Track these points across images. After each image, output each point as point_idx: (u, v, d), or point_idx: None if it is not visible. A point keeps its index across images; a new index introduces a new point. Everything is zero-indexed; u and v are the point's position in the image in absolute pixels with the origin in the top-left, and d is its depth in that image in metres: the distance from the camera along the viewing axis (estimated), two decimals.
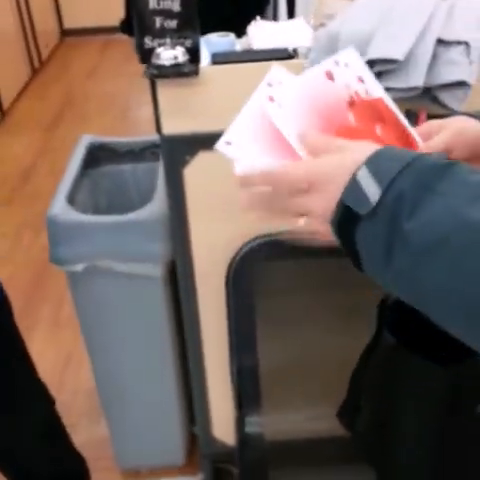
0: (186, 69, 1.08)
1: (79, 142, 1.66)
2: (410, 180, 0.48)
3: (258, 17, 2.11)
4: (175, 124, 1.16)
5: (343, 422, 1.16)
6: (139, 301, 1.45)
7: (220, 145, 0.72)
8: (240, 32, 1.39)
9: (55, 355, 2.21)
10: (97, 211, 1.70)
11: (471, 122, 0.64)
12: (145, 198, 1.73)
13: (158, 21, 1.09)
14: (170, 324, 1.50)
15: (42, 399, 1.30)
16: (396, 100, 1.06)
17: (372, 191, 0.49)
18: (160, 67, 1.08)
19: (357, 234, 0.51)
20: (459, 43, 1.00)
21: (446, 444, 0.90)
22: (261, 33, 1.39)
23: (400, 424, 0.95)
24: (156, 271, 1.40)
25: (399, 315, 0.97)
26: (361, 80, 0.72)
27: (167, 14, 1.08)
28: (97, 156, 1.67)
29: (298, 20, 1.46)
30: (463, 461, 0.90)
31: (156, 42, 1.10)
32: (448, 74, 1.00)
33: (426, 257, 0.46)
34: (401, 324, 0.96)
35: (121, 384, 1.62)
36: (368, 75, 0.72)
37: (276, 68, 0.76)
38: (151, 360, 1.57)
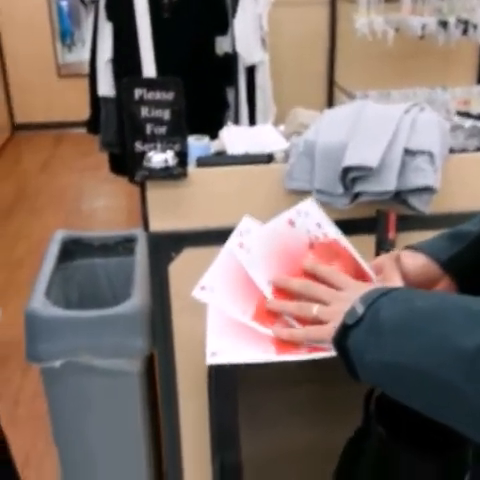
0: (175, 172, 1.16)
1: (53, 236, 1.68)
2: (384, 301, 0.67)
3: (219, 121, 2.25)
4: (162, 222, 1.22)
5: None
6: (115, 396, 1.44)
7: (196, 291, 0.82)
8: (203, 133, 1.48)
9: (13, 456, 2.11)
10: (68, 304, 1.70)
11: (414, 258, 0.84)
12: (117, 292, 1.75)
13: (149, 128, 1.17)
14: (145, 420, 1.49)
15: None
16: (370, 202, 1.17)
17: (359, 309, 0.68)
18: (151, 170, 1.15)
19: (348, 342, 0.68)
20: (423, 152, 1.12)
21: None
22: (234, 137, 1.49)
23: None
24: (134, 366, 1.40)
25: (387, 406, 1.00)
26: (319, 225, 0.86)
27: (157, 121, 1.17)
28: (70, 250, 1.69)
29: (267, 126, 1.58)
30: None
31: (146, 146, 1.18)
32: (416, 180, 1.11)
33: (390, 340, 0.63)
34: (389, 415, 0.99)
35: None
36: (325, 220, 0.87)
37: (246, 219, 0.87)
38: (124, 458, 1.53)
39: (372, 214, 1.20)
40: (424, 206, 1.15)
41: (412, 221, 1.19)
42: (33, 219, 4.19)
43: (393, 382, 0.65)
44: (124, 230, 1.78)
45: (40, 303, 1.37)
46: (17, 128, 6.24)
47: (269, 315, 0.79)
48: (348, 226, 1.24)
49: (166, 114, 1.17)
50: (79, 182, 4.95)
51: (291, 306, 0.78)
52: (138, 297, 1.40)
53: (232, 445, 1.28)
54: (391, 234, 1.20)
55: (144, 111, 1.16)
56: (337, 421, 1.25)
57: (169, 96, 1.19)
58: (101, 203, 4.60)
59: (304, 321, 0.77)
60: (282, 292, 0.81)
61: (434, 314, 0.62)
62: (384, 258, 0.85)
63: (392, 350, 0.63)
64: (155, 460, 1.57)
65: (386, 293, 0.69)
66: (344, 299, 0.72)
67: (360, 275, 0.82)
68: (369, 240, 1.21)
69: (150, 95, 1.18)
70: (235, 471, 1.30)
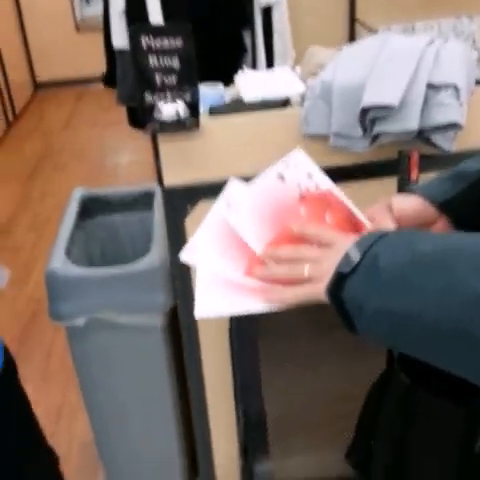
0: (187, 123, 1.11)
1: (72, 195, 1.67)
2: (382, 246, 0.63)
3: (237, 66, 2.17)
4: (176, 175, 1.18)
5: (352, 464, 1.15)
6: (139, 351, 1.44)
7: (183, 255, 0.79)
8: (220, 79, 1.42)
9: (45, 409, 2.17)
10: (91, 262, 1.70)
11: (408, 201, 0.80)
12: (138, 247, 1.74)
13: (158, 77, 1.12)
14: (171, 373, 1.49)
15: (50, 460, 1.27)
16: (391, 143, 1.11)
17: (354, 255, 0.63)
18: (162, 122, 1.10)
19: (344, 292, 0.63)
20: (448, 86, 1.05)
21: None
22: (249, 82, 1.43)
23: (415, 466, 0.95)
24: (157, 321, 1.39)
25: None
26: (310, 176, 0.82)
27: (167, 71, 1.11)
28: (90, 208, 1.68)
29: (284, 69, 1.51)
30: None
31: (156, 97, 1.13)
32: (440, 116, 1.05)
33: (392, 287, 0.59)
34: (413, 361, 0.97)
35: (121, 437, 1.60)
36: (316, 170, 0.82)
37: (233, 181, 0.83)
38: (152, 411, 1.55)
39: (394, 156, 1.14)
40: (449, 144, 1.09)
41: (436, 160, 1.13)
42: (58, 176, 4.20)
43: (396, 333, 0.60)
44: (148, 185, 1.76)
45: (60, 262, 1.36)
46: (39, 86, 6.21)
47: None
48: (368, 169, 1.19)
49: (175, 62, 1.11)
50: (102, 137, 4.93)
51: (282, 269, 0.74)
52: (157, 252, 1.38)
53: (255, 395, 1.28)
54: (414, 174, 1.14)
55: (152, 60, 1.10)
56: (361, 367, 1.23)
57: (177, 42, 1.13)
58: (125, 158, 4.59)
59: (295, 282, 0.73)
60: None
61: (442, 257, 0.57)
62: (376, 206, 0.81)
63: (396, 299, 0.58)
64: (182, 411, 1.58)
65: (383, 237, 0.64)
66: (336, 253, 0.67)
67: (354, 225, 0.79)
68: (391, 182, 1.15)
69: (158, 42, 1.12)
70: (259, 419, 1.30)
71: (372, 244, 0.63)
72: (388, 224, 0.77)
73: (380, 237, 0.64)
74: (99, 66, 3.42)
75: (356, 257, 0.63)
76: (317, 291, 0.68)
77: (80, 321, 1.35)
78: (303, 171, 0.82)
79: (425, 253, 0.59)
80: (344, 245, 0.67)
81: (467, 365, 0.56)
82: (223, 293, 0.75)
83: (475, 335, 0.52)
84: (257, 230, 0.77)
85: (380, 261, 0.61)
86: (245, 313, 0.74)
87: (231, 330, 1.26)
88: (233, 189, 0.82)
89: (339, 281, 0.64)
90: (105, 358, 1.44)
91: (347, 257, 0.64)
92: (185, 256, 0.79)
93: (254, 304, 0.73)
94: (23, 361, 2.43)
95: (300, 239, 0.75)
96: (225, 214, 0.80)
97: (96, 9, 6.19)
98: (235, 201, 0.81)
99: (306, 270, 0.71)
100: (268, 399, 1.30)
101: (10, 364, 1.14)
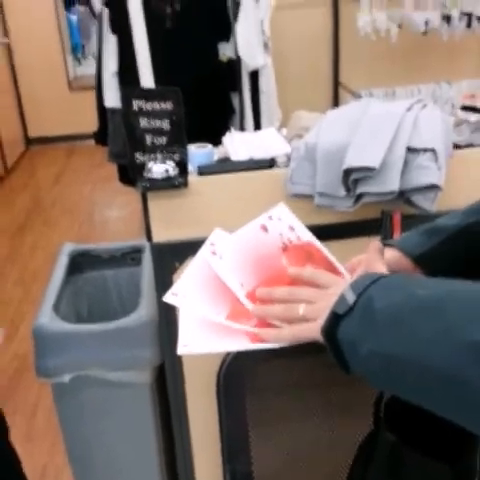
0: (176, 182, 1.15)
1: (61, 249, 1.69)
2: (377, 289, 0.64)
3: (225, 126, 2.24)
4: (164, 232, 1.21)
5: None
6: (126, 408, 1.43)
7: (167, 297, 0.80)
8: (209, 139, 1.46)
9: (30, 469, 2.11)
10: (79, 317, 1.70)
11: (386, 253, 0.82)
12: (127, 302, 1.75)
13: (148, 138, 1.16)
14: (158, 431, 1.48)
15: None
16: (374, 203, 1.15)
17: (350, 297, 0.65)
18: (152, 180, 1.14)
19: (339, 332, 0.64)
20: (426, 150, 1.10)
21: None
22: (237, 143, 1.48)
23: None
24: (145, 377, 1.39)
25: (397, 411, 0.98)
26: (292, 229, 0.85)
27: (157, 132, 1.16)
28: (79, 263, 1.69)
29: (270, 131, 1.56)
30: None
31: (146, 157, 1.17)
32: (419, 178, 1.09)
33: (387, 330, 0.60)
34: (399, 420, 0.97)
35: None
36: (298, 224, 0.86)
37: (217, 231, 0.86)
38: (139, 469, 1.52)
39: (377, 215, 1.18)
40: (430, 204, 1.13)
41: (418, 220, 1.17)
42: (48, 230, 4.22)
43: (390, 374, 0.61)
44: (137, 240, 1.78)
45: (48, 318, 1.36)
46: (31, 142, 6.31)
47: (243, 316, 0.77)
48: (352, 228, 1.23)
49: (165, 124, 1.16)
50: (93, 193, 4.98)
51: (277, 309, 0.75)
52: (145, 308, 1.39)
53: (242, 455, 1.27)
54: (397, 233, 1.18)
55: (143, 122, 1.15)
56: (349, 427, 1.23)
57: (168, 106, 1.18)
58: (115, 213, 4.63)
59: (289, 322, 0.74)
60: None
61: (436, 302, 0.58)
62: (359, 257, 0.83)
63: (390, 341, 0.59)
64: (170, 469, 1.56)
65: (378, 279, 0.65)
66: (331, 294, 0.69)
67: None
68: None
69: (149, 105, 1.17)
70: (246, 478, 1.29)
71: (367, 286, 0.64)
72: (380, 267, 0.78)
73: (375, 280, 0.65)
74: (91, 123, 3.51)
75: (351, 298, 0.64)
76: (312, 329, 0.69)
77: (67, 378, 1.35)
78: (286, 224, 0.85)
79: (420, 297, 0.60)
80: (340, 287, 0.68)
81: (459, 411, 0.56)
82: (206, 332, 0.76)
83: (467, 382, 0.53)
84: (240, 276, 0.79)
85: (375, 303, 0.62)
86: (228, 350, 0.74)
87: (218, 388, 1.26)
88: (217, 237, 0.85)
89: (334, 321, 0.65)
90: (92, 415, 1.42)
91: (343, 298, 0.65)
92: (168, 299, 0.80)
93: (237, 342, 0.74)
94: (7, 419, 2.39)
95: (292, 282, 0.77)
96: (209, 260, 0.82)
97: (88, 68, 6.38)
98: (219, 248, 0.83)
99: (301, 310, 0.72)
100: (256, 458, 1.29)
101: (0, 422, 1.13)
